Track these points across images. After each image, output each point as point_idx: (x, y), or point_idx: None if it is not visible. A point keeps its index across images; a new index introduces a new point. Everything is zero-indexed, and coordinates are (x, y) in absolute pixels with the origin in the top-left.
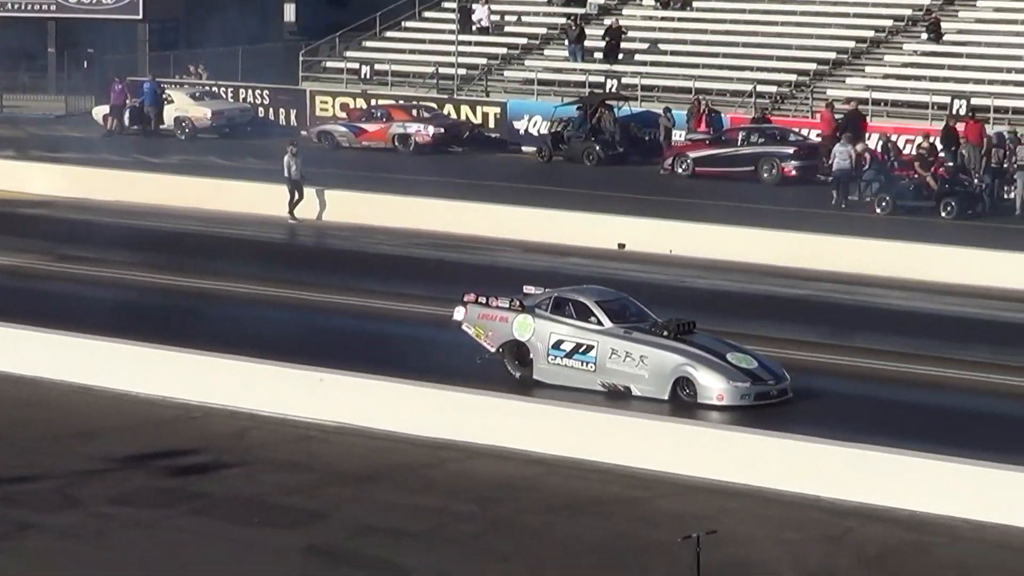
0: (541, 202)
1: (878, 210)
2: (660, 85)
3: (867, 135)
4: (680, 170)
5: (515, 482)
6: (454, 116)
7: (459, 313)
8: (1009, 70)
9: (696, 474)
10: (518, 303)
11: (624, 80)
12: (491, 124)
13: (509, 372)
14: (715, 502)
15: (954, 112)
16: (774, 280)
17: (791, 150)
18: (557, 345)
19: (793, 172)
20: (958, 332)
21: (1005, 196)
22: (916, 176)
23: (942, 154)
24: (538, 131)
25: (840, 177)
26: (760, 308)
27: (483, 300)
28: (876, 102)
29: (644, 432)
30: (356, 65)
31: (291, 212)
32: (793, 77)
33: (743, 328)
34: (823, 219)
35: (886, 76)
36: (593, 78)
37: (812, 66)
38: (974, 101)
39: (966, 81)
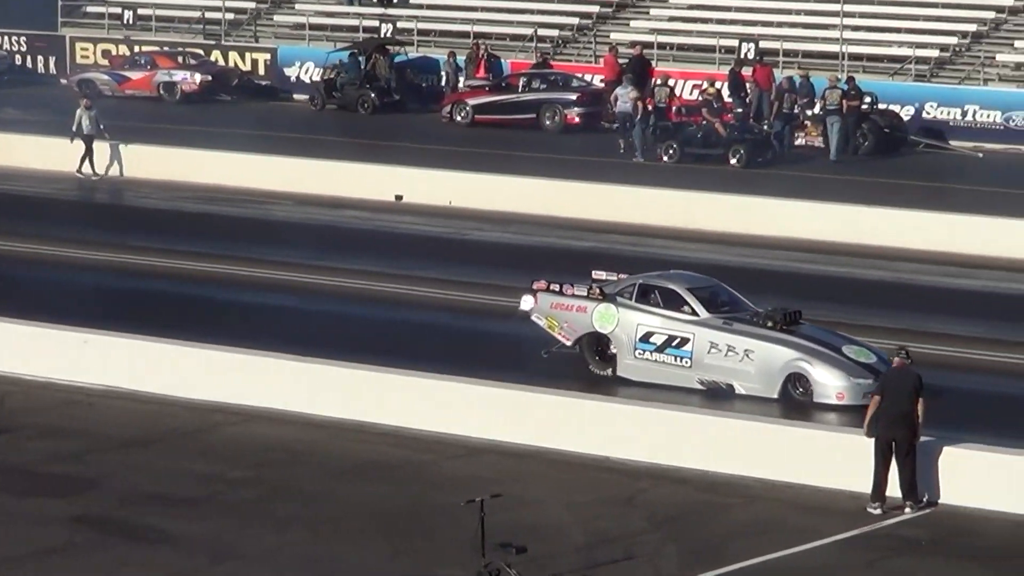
0: (314, 152)
1: (665, 158)
2: (437, 30)
3: (653, 81)
4: (459, 118)
5: (294, 447)
6: (222, 63)
7: (527, 303)
8: (798, 12)
9: (483, 436)
10: (598, 291)
11: (400, 25)
12: (261, 71)
13: (589, 368)
14: (503, 464)
15: (742, 56)
16: (559, 232)
17: (574, 96)
18: (646, 338)
19: (576, 119)
20: (755, 283)
21: (796, 142)
22: (704, 122)
23: (730, 100)
24: (310, 78)
25: (623, 121)
26: (542, 261)
27: (556, 288)
28: (662, 46)
29: (430, 392)
30: (119, 10)
31: (80, 168)
32: (575, 20)
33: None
34: (608, 168)
35: (671, 19)
36: (367, 23)
37: (595, 8)
38: (763, 44)
39: (754, 24)
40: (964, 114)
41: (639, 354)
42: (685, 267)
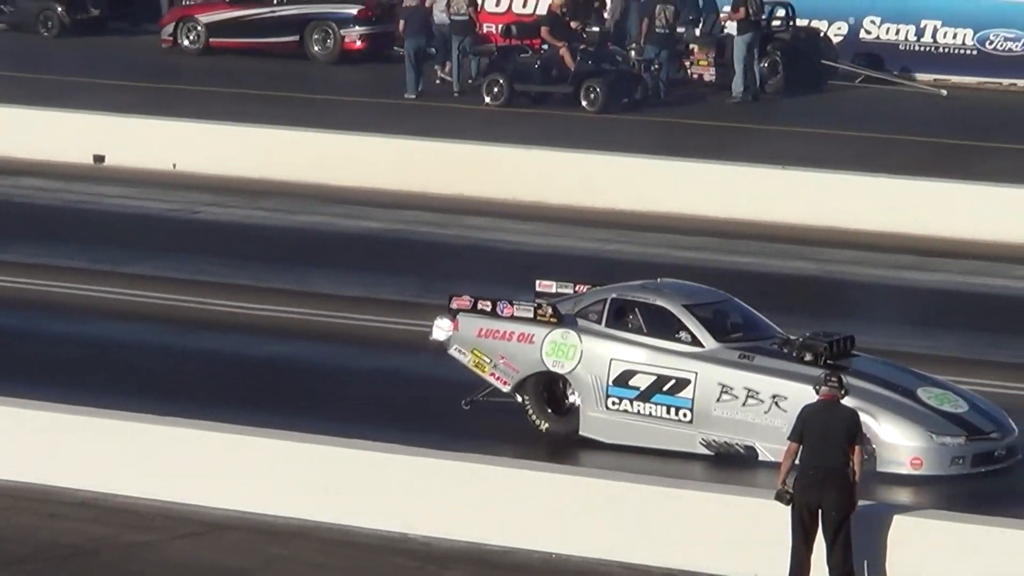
0: None
1: (488, 98)
2: None
3: None
4: (188, 42)
5: None
6: None
7: (442, 328)
8: None
9: (227, 506)
10: (549, 311)
11: None
12: None
13: (532, 423)
14: (255, 546)
15: None
16: (331, 209)
17: (354, 10)
18: (624, 380)
19: (358, 43)
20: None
21: (684, 76)
22: (544, 48)
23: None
24: None
25: (443, 41)
26: (308, 250)
27: (485, 307)
28: None
29: (144, 443)
30: None
31: None
32: None
33: (298, 284)
34: (400, 113)
35: None
36: None
37: None
38: None
39: None
40: (920, 33)
41: (613, 403)
42: (506, 256)
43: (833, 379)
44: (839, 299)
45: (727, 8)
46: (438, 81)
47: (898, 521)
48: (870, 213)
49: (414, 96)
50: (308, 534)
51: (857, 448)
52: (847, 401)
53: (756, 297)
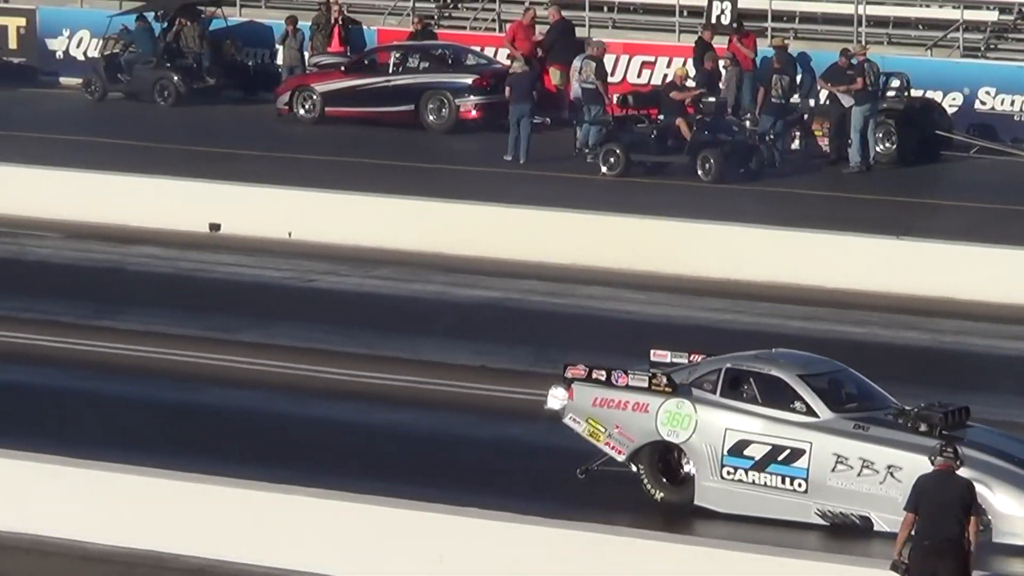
0: (91, 162)
1: (604, 168)
2: None
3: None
4: (303, 111)
5: None
6: None
7: (557, 397)
8: None
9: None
10: (664, 380)
11: None
12: (13, 43)
13: (648, 492)
14: None
15: (713, 20)
16: (446, 277)
17: (469, 80)
18: (739, 450)
19: (473, 112)
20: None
21: (793, 146)
22: (660, 118)
23: (692, 83)
24: (85, 54)
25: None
26: (426, 320)
27: (600, 376)
28: (596, 6)
29: (272, 511)
30: None
31: None
32: None
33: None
34: (518, 182)
35: None
36: None
37: None
38: (742, 4)
39: None
40: None
41: (728, 473)
42: (620, 326)
43: (948, 450)
44: (953, 370)
45: (821, 77)
46: (576, 153)
47: None
48: (984, 283)
49: (510, 158)
50: None
51: (973, 519)
52: (962, 472)
53: (869, 367)
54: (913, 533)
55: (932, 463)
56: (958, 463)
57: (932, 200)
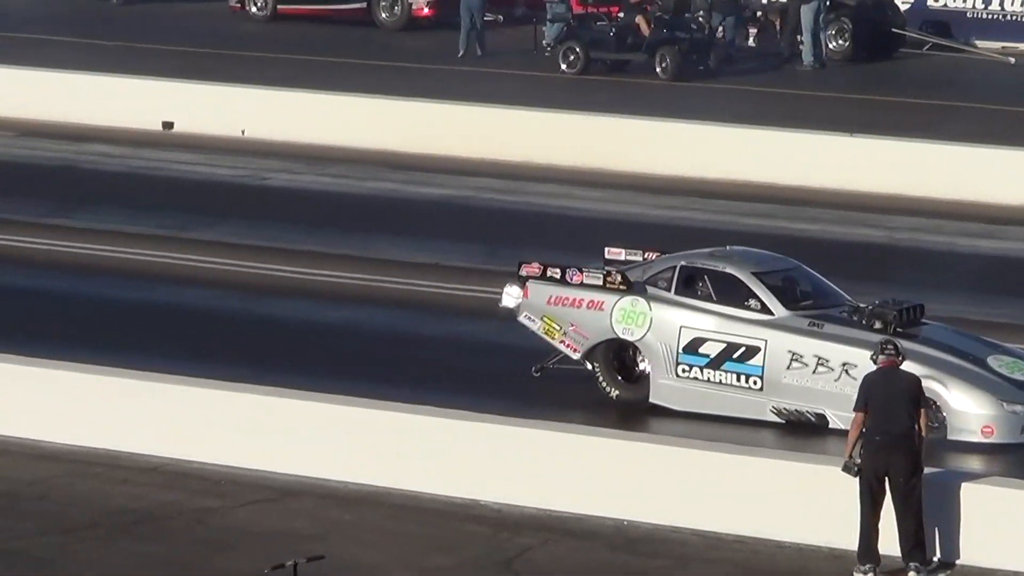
0: (42, 60)
1: (564, 66)
2: None
3: None
4: (255, 8)
5: (16, 488)
6: None
7: (512, 295)
8: None
9: (295, 472)
10: (619, 278)
11: None
12: None
13: (602, 389)
14: (324, 512)
15: None
16: (399, 175)
17: None
18: (694, 348)
19: (426, 10)
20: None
21: (748, 44)
22: (620, 16)
23: None
24: None
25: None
26: (378, 218)
27: (555, 274)
28: None
29: (213, 408)
30: None
31: None
32: None
33: (378, 251)
34: (474, 80)
35: None
36: None
37: None
38: None
39: None
40: (988, 1)
41: (683, 371)
42: (574, 224)
43: (890, 346)
44: (906, 267)
45: None
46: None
47: (969, 489)
48: (938, 181)
49: (462, 53)
50: (378, 500)
51: (923, 412)
52: (916, 369)
53: (824, 264)
54: (863, 430)
55: (875, 362)
56: (900, 358)
57: (886, 97)
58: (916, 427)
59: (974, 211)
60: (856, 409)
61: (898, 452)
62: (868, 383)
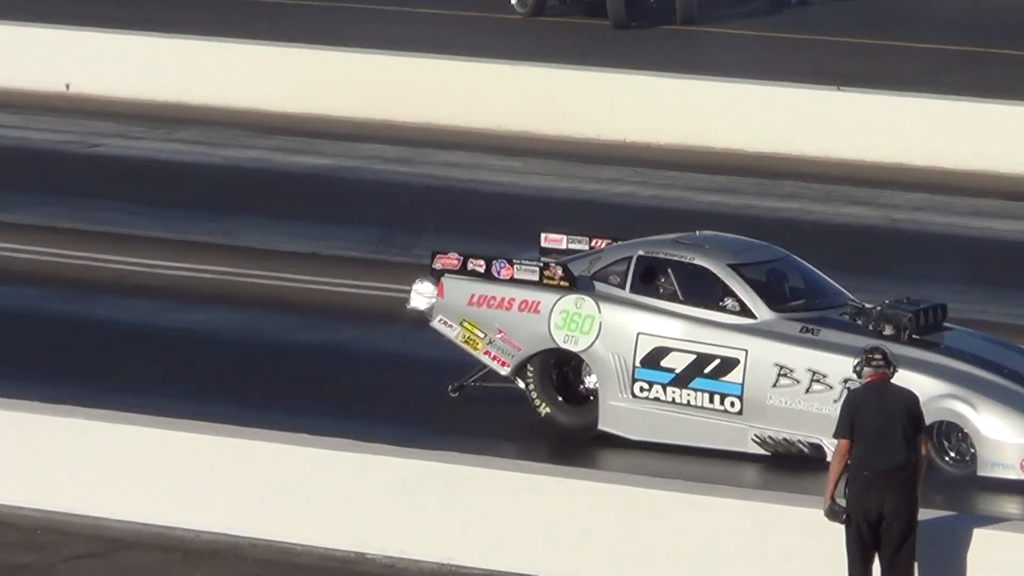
0: None
1: (514, 2)
2: None
3: None
4: None
5: None
6: None
7: (423, 294)
8: None
9: (137, 519)
10: (559, 271)
11: None
12: None
13: (537, 412)
14: (168, 568)
15: None
16: (265, 142)
17: None
18: (654, 360)
19: None
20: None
21: None
22: None
23: None
24: None
25: None
26: (240, 196)
27: (478, 266)
28: None
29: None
30: None
31: None
32: None
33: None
34: (381, 20)
35: None
36: None
37: None
38: None
39: None
40: None
41: (641, 389)
42: (493, 201)
43: (876, 355)
44: (906, 254)
45: None
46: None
47: (1001, 539)
48: (946, 146)
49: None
50: (238, 554)
51: (922, 438)
52: (938, 386)
53: (802, 252)
54: (849, 464)
55: (859, 375)
56: (892, 370)
57: (879, 40)
58: (914, 459)
59: (991, 184)
60: (838, 435)
61: (891, 489)
62: (853, 402)
